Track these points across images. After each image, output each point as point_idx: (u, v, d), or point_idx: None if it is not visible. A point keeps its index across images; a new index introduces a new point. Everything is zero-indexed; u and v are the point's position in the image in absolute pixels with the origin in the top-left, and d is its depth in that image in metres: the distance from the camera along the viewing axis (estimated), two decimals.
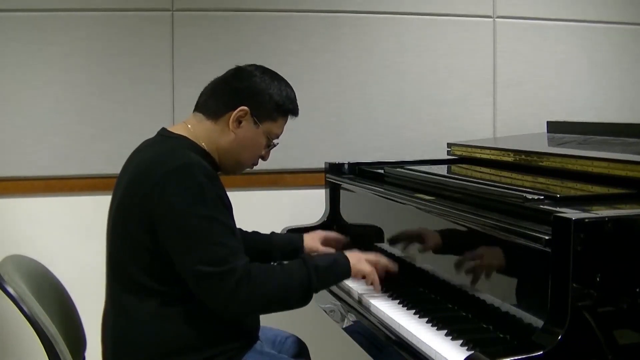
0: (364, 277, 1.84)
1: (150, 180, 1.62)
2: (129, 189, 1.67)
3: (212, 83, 1.83)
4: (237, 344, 1.72)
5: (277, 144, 1.87)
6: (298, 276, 1.68)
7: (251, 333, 1.80)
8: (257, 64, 1.86)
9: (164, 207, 1.59)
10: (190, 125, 1.79)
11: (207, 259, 1.57)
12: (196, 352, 1.65)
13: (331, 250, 2.12)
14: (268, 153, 1.87)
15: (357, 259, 1.81)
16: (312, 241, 2.14)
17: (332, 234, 2.22)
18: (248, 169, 1.90)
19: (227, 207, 1.66)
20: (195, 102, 1.86)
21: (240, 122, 1.76)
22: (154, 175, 1.62)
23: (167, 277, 1.63)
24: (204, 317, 1.65)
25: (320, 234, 2.19)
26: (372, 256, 1.86)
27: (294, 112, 1.85)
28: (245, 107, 1.75)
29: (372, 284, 1.85)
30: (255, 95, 1.77)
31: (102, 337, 1.77)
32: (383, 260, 1.88)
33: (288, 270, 1.70)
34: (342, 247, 2.18)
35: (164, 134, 1.80)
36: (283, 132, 1.87)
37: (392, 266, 1.91)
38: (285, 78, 1.86)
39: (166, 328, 1.64)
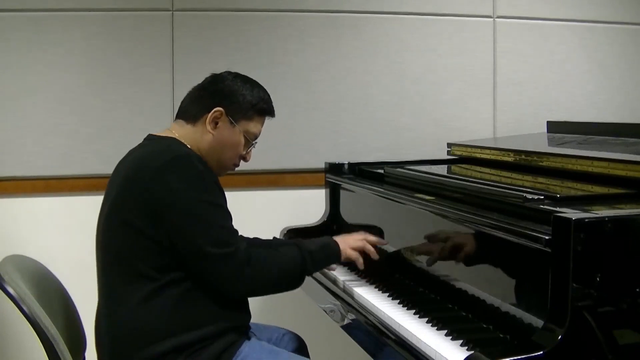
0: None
1: (150, 171, 1.69)
2: (127, 182, 1.72)
3: (191, 90, 1.91)
4: (229, 328, 1.74)
5: (256, 143, 1.92)
6: (294, 260, 1.79)
7: (242, 322, 1.82)
8: (236, 71, 1.92)
9: (168, 195, 1.66)
10: (174, 131, 1.87)
11: (212, 241, 1.66)
12: (188, 333, 1.68)
13: None
14: (249, 153, 1.93)
15: (345, 245, 1.91)
16: None
17: None
18: (241, 169, 1.94)
19: (223, 192, 1.76)
20: None
21: (217, 123, 1.84)
22: (153, 166, 1.69)
23: (164, 263, 1.68)
24: (196, 302, 1.70)
25: None
26: (358, 241, 1.94)
27: (269, 112, 1.92)
28: (220, 108, 1.83)
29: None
30: (229, 96, 1.85)
31: (96, 334, 1.78)
32: (368, 246, 1.95)
33: (284, 254, 1.80)
34: None
35: (151, 138, 1.87)
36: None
37: (378, 241, 1.99)
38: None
39: (161, 313, 1.67)
